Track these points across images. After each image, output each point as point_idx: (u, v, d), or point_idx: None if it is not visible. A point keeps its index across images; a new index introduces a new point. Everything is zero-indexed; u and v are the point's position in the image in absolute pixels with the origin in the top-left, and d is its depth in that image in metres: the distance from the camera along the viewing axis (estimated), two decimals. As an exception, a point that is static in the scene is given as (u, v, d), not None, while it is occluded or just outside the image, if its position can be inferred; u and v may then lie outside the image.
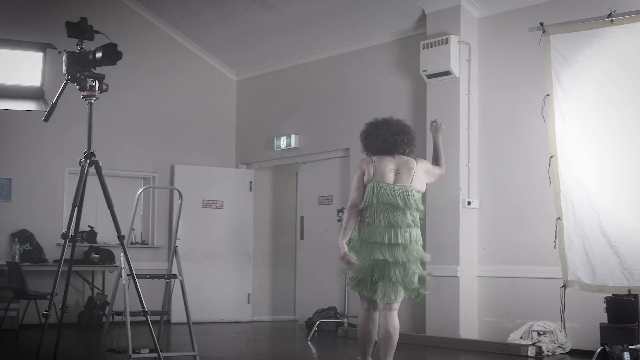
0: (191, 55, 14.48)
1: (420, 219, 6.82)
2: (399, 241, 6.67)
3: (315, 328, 11.02)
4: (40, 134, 12.97)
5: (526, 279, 10.10)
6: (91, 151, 6.01)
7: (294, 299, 14.49)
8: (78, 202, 5.89)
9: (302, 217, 13.68)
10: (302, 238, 13.64)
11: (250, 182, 14.30)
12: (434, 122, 7.40)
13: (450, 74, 10.65)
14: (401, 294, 6.87)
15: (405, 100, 11.69)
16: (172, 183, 13.88)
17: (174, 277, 7.28)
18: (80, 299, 13.00)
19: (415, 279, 6.93)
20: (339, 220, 11.08)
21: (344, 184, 12.64)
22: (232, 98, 14.85)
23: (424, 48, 10.87)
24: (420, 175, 6.79)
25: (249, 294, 14.13)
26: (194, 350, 7.21)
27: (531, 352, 9.17)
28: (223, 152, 14.65)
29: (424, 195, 6.77)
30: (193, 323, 13.32)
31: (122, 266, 7.01)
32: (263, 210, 14.52)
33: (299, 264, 14.02)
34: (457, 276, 10.48)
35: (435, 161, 7.19)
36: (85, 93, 5.94)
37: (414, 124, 11.45)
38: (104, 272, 12.90)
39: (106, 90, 6.00)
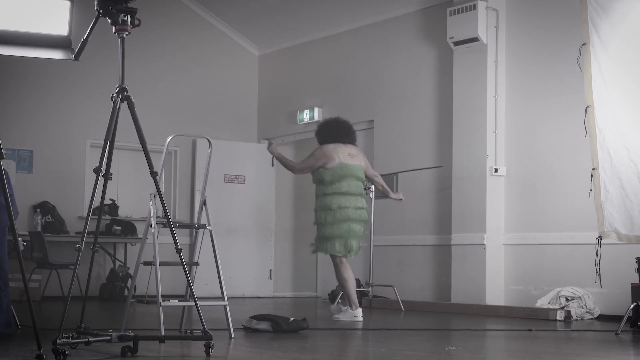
0: (213, 30, 14.40)
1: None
2: (363, 205, 8.93)
3: (339, 299, 10.90)
4: (63, 105, 12.94)
5: (553, 246, 9.99)
6: (123, 86, 5.84)
7: (316, 276, 14.40)
8: (110, 137, 5.75)
9: (324, 192, 13.55)
10: (324, 212, 13.52)
11: (273, 157, 14.21)
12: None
13: (478, 40, 10.54)
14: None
15: (431, 69, 11.59)
16: (193, 157, 13.82)
17: (203, 226, 7.15)
18: (101, 272, 12.94)
19: None
20: (365, 189, 10.86)
21: (368, 155, 12.39)
22: (254, 73, 14.77)
23: (450, 15, 10.77)
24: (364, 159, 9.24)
25: (270, 270, 14.05)
26: (224, 300, 7.10)
27: (560, 316, 9.07)
28: (245, 127, 14.58)
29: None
30: (215, 298, 13.38)
31: (152, 214, 6.87)
32: (285, 186, 14.44)
33: (322, 239, 13.89)
34: (483, 244, 10.38)
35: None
36: (117, 27, 5.82)
37: (440, 93, 11.42)
38: (125, 244, 12.84)
39: (138, 25, 5.89)
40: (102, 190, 6.00)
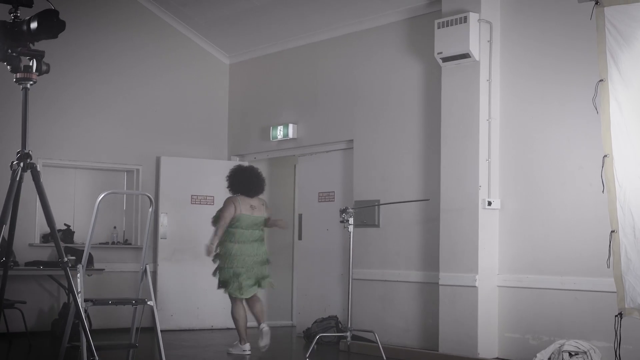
0: (179, 36, 13.23)
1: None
2: (259, 251, 10.18)
3: (314, 344, 9.81)
4: (11, 123, 11.74)
5: (554, 291, 8.87)
6: (26, 151, 4.65)
7: (292, 304, 13.34)
8: (8, 218, 4.55)
9: (300, 215, 12.49)
10: (300, 238, 12.45)
11: (243, 177, 13.09)
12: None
13: (469, 56, 9.39)
14: None
15: (417, 86, 10.46)
16: (157, 176, 12.68)
17: (142, 302, 5.99)
18: (55, 305, 11.80)
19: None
20: (342, 222, 9.86)
21: (347, 180, 11.42)
22: (224, 83, 13.61)
23: (439, 27, 9.62)
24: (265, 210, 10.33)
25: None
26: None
27: (563, 377, 7.98)
28: (214, 143, 13.42)
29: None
30: (181, 330, 12.28)
31: (79, 291, 5.74)
32: (258, 206, 13.30)
33: (297, 266, 12.86)
34: (475, 286, 9.25)
35: None
36: (18, 75, 4.63)
37: (426, 113, 10.28)
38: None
39: (46, 71, 4.70)
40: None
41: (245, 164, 11.11)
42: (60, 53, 11.99)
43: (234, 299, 10.06)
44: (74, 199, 12.39)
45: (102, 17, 12.61)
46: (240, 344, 10.09)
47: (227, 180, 10.24)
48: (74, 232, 12.10)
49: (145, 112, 12.84)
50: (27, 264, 11.46)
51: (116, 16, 12.72)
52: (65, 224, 12.09)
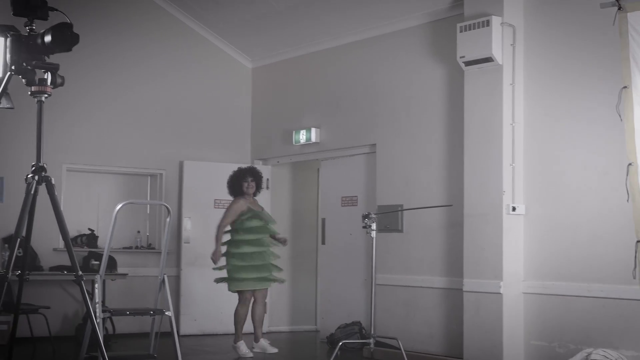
0: (202, 41, 13.20)
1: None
2: None
3: (337, 350, 9.74)
4: (35, 128, 11.73)
5: (581, 298, 8.73)
6: (41, 164, 4.61)
7: (315, 308, 13.29)
8: (22, 231, 4.52)
9: (323, 220, 12.41)
10: (323, 242, 12.37)
11: (267, 179, 13.04)
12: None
13: (492, 60, 9.28)
14: None
15: (440, 90, 10.36)
16: (180, 180, 12.67)
17: (160, 312, 5.94)
18: (79, 310, 11.80)
19: None
20: (364, 227, 9.77)
21: (369, 184, 11.35)
22: (247, 87, 13.57)
23: (461, 31, 9.51)
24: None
25: (265, 303, 12.85)
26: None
27: (590, 387, 7.85)
28: (237, 147, 13.38)
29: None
30: (204, 334, 12.25)
31: (97, 301, 5.70)
32: (281, 211, 13.25)
33: (320, 271, 12.78)
34: (500, 293, 9.14)
35: None
36: (33, 89, 4.60)
37: (449, 117, 10.19)
38: (104, 280, 11.62)
39: (61, 84, 4.66)
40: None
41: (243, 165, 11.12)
42: (84, 58, 12.01)
43: (244, 294, 10.40)
44: (98, 203, 12.39)
45: (124, 22, 12.60)
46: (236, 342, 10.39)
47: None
48: (97, 236, 12.11)
49: (168, 117, 12.82)
50: (51, 268, 11.48)
51: (139, 21, 12.71)
52: (89, 229, 12.11)
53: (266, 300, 10.74)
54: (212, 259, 10.37)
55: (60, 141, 11.85)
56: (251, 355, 10.27)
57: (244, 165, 11.02)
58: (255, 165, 13.09)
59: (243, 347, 10.30)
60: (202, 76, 13.17)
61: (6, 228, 11.28)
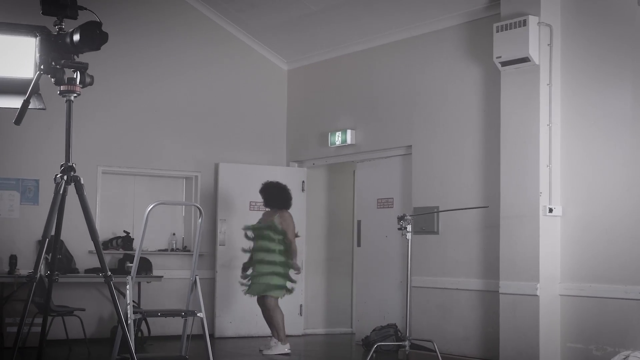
0: (237, 43, 13.21)
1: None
2: None
3: (372, 353, 9.70)
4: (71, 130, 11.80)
5: (618, 300, 8.61)
6: (70, 164, 4.59)
7: (351, 311, 13.23)
8: (51, 231, 4.51)
9: (359, 222, 12.35)
10: (359, 245, 12.32)
11: (303, 181, 13.03)
12: None
13: (529, 60, 9.19)
14: None
15: (476, 91, 10.29)
16: (216, 183, 12.68)
17: (192, 314, 5.92)
18: (114, 312, 11.81)
19: None
20: (400, 229, 9.71)
21: (405, 186, 11.28)
22: (282, 89, 13.55)
23: (497, 31, 9.43)
24: None
25: (301, 305, 12.87)
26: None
27: (628, 389, 7.73)
28: (273, 149, 13.37)
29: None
30: (239, 337, 12.23)
31: (128, 302, 5.69)
32: (316, 212, 13.24)
33: (356, 273, 12.73)
34: (536, 295, 9.05)
35: None
36: (62, 88, 4.59)
37: (485, 118, 10.11)
38: (139, 283, 11.69)
39: (90, 84, 4.65)
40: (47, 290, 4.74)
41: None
42: (118, 61, 12.07)
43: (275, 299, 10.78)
44: (133, 206, 12.43)
45: (160, 25, 12.64)
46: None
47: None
48: (132, 239, 12.14)
49: (203, 119, 12.84)
50: (86, 271, 11.53)
51: (174, 23, 12.74)
52: (124, 231, 12.14)
53: (270, 308, 10.79)
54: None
55: (95, 143, 11.91)
56: (288, 351, 10.70)
57: (274, 180, 11.34)
58: (292, 167, 13.14)
59: (279, 347, 10.69)
60: (237, 78, 13.17)
61: (41, 231, 11.31)
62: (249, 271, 10.79)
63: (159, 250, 12.42)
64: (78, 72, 4.54)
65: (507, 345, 9.29)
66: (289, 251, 10.77)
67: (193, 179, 12.75)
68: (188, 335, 6.32)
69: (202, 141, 12.78)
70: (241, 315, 12.47)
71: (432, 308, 10.60)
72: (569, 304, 9.08)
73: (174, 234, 12.63)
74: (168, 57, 12.65)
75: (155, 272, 11.89)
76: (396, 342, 10.46)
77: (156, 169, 12.48)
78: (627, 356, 8.14)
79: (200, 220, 6.23)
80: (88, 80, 4.59)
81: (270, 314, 10.68)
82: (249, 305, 12.31)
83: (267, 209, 11.09)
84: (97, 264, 11.62)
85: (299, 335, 12.54)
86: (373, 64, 11.95)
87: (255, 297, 10.82)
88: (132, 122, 12.32)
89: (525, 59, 9.22)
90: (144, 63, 12.49)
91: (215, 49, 13.03)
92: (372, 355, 9.71)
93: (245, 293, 10.88)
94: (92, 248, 11.72)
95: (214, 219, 12.61)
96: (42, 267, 10.91)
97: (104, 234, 11.96)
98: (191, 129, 12.72)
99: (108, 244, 11.99)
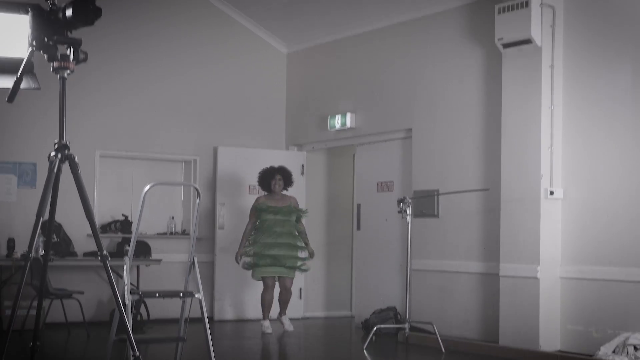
0: (237, 26, 13.13)
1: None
2: None
3: (372, 335, 9.68)
4: (69, 114, 11.72)
5: (619, 282, 8.60)
6: (64, 142, 4.51)
7: (350, 294, 13.21)
8: (45, 209, 4.44)
9: (359, 205, 12.30)
10: (358, 228, 12.28)
11: (302, 165, 12.99)
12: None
13: (531, 42, 9.14)
14: None
15: (477, 73, 10.23)
16: (215, 166, 12.62)
17: (190, 295, 5.88)
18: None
19: None
20: (400, 212, 9.70)
21: (405, 169, 11.24)
22: (281, 73, 13.49)
23: (499, 12, 9.37)
24: None
25: (300, 289, 12.82)
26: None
27: (628, 372, 7.72)
28: (272, 133, 13.32)
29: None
30: (239, 320, 12.22)
31: (126, 283, 5.65)
32: (316, 196, 13.19)
33: (356, 257, 12.70)
34: (536, 277, 9.03)
35: None
36: (55, 64, 4.50)
37: (487, 101, 10.06)
38: (138, 266, 11.66)
39: (84, 60, 4.55)
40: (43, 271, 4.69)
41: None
42: (117, 44, 12.03)
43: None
44: (132, 190, 12.37)
45: (158, 8, 12.57)
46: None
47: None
48: (131, 222, 12.09)
49: (202, 103, 12.78)
50: (85, 254, 11.49)
51: (173, 7, 12.67)
52: (123, 215, 12.10)
53: (291, 288, 11.31)
54: (235, 258, 11.25)
55: (93, 127, 11.86)
56: (270, 332, 10.91)
57: (276, 165, 11.48)
58: (291, 151, 13.10)
59: (265, 324, 11.02)
60: (236, 61, 13.10)
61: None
62: (274, 250, 11.01)
63: (158, 234, 12.37)
64: (71, 49, 4.46)
65: (507, 327, 9.27)
66: (304, 234, 11.28)
67: (192, 162, 12.70)
68: (186, 318, 6.27)
69: (201, 125, 12.72)
70: (240, 298, 12.44)
71: (432, 291, 10.58)
72: (569, 287, 9.07)
73: (172, 218, 12.58)
74: (167, 41, 12.58)
75: (154, 256, 11.85)
76: (396, 324, 10.43)
77: (155, 152, 12.42)
78: (627, 338, 8.15)
79: (198, 201, 6.15)
80: (82, 56, 4.50)
81: (290, 295, 11.30)
82: (249, 289, 12.30)
83: (281, 193, 11.35)
84: (95, 248, 11.59)
85: (298, 319, 12.50)
86: (373, 46, 11.89)
87: (273, 278, 11.15)
88: (131, 106, 12.26)
89: (527, 41, 9.18)
90: (143, 47, 12.42)
91: (214, 33, 12.95)
92: (371, 337, 9.70)
93: (270, 274, 11.09)
94: (91, 232, 11.69)
95: (213, 203, 12.57)
96: (40, 248, 10.93)
97: (102, 218, 11.93)
98: (190, 113, 12.66)
99: (107, 227, 11.95)
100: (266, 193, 11.38)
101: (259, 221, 11.17)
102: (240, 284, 12.30)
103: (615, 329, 8.49)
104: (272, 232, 11.03)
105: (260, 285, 11.46)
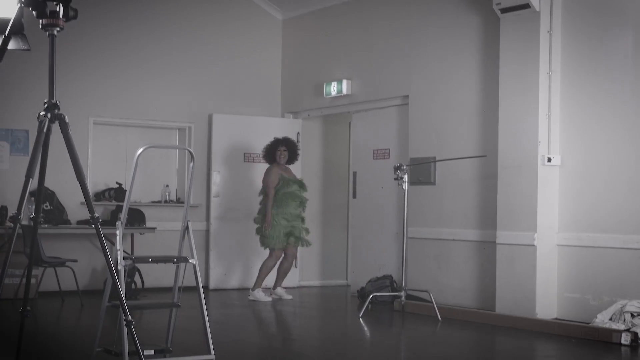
0: (230, -8, 12.99)
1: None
2: None
3: (368, 303, 9.62)
4: (62, 81, 11.60)
5: (616, 250, 8.54)
6: (54, 101, 4.41)
7: (346, 263, 13.14)
8: (34, 170, 4.35)
9: (354, 173, 12.22)
10: (354, 196, 12.19)
11: (298, 133, 12.87)
12: None
13: (529, 7, 9.01)
14: None
15: (474, 39, 10.11)
16: (209, 134, 12.51)
17: (184, 260, 5.79)
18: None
19: None
20: (396, 179, 9.61)
21: (402, 136, 11.15)
22: (277, 40, 13.35)
23: (497, -23, 9.26)
24: None
25: (295, 257, 12.73)
26: (210, 353, 5.78)
27: (625, 339, 7.64)
28: (267, 100, 13.19)
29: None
30: (234, 289, 12.15)
31: (118, 248, 5.57)
32: (312, 164, 13.08)
33: (352, 225, 12.61)
34: (534, 245, 8.95)
35: None
36: (44, 21, 4.39)
37: (484, 66, 9.95)
38: (132, 234, 11.58)
39: (74, 17, 4.44)
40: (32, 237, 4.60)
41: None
42: (111, 11, 11.88)
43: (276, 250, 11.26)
44: (126, 157, 12.26)
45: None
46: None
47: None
48: (125, 190, 11.99)
49: (197, 69, 12.64)
50: (79, 222, 11.41)
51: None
52: (117, 182, 12.00)
53: (296, 258, 11.54)
54: (265, 227, 11.11)
55: (87, 93, 11.74)
56: (269, 299, 11.01)
57: (280, 136, 11.51)
58: (287, 118, 12.99)
59: (261, 293, 11.04)
60: (232, 28, 12.95)
61: (32, 182, 11.18)
62: (292, 222, 11.19)
63: (152, 202, 12.28)
64: (61, 5, 4.34)
65: (504, 295, 9.21)
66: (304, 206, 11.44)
67: (187, 129, 12.58)
68: (180, 286, 6.18)
69: (196, 92, 12.59)
70: (235, 267, 12.38)
71: (428, 259, 10.52)
72: (566, 254, 9.00)
73: (167, 186, 12.48)
74: (161, 7, 12.43)
75: (148, 224, 11.77)
76: (392, 293, 10.38)
77: (149, 119, 12.30)
78: (624, 305, 8.09)
79: (192, 164, 6.06)
80: (72, 13, 4.39)
81: (291, 265, 11.50)
82: (243, 257, 12.25)
83: (284, 165, 11.38)
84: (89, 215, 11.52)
85: (294, 287, 12.44)
86: (369, 12, 11.75)
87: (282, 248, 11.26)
88: (124, 72, 12.12)
89: (526, 6, 9.06)
90: (137, 12, 12.28)
91: (209, 0, 12.79)
92: (367, 305, 9.64)
93: (294, 245, 11.31)
94: (84, 200, 11.60)
95: (208, 171, 12.47)
96: (31, 214, 10.87)
97: (96, 186, 11.84)
98: (184, 80, 12.53)
99: (100, 195, 11.87)
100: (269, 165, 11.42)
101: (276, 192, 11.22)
102: (236, 252, 12.23)
103: (612, 297, 8.44)
104: (288, 203, 11.15)
105: (260, 255, 11.41)
